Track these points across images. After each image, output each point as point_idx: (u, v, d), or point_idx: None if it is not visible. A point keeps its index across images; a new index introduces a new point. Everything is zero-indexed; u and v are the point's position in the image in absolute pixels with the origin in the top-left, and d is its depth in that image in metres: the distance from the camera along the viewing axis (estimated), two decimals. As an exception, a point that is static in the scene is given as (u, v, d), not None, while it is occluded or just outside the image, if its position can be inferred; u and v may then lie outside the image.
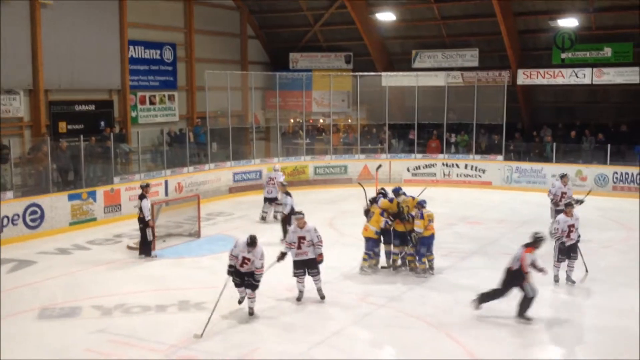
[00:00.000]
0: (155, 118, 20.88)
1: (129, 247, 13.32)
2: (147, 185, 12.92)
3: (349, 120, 25.22)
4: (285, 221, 13.61)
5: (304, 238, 9.75)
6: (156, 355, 7.85)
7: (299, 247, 9.79)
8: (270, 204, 16.35)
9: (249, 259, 9.05)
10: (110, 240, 14.15)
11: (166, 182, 17.94)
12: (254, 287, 9.17)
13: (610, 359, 7.86)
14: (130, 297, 10.06)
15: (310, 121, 24.33)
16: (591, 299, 10.26)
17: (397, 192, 11.80)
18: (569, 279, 10.85)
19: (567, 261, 10.83)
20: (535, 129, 22.61)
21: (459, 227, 15.38)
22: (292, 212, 12.23)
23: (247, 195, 19.65)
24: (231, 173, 20.30)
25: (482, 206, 18.30)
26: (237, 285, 9.31)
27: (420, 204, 11.31)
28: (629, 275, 11.27)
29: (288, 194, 14.32)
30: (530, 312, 9.01)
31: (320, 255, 9.87)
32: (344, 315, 9.40)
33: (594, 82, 21.11)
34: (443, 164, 22.20)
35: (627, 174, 19.64)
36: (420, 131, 22.80)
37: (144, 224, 12.43)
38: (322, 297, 9.94)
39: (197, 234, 14.36)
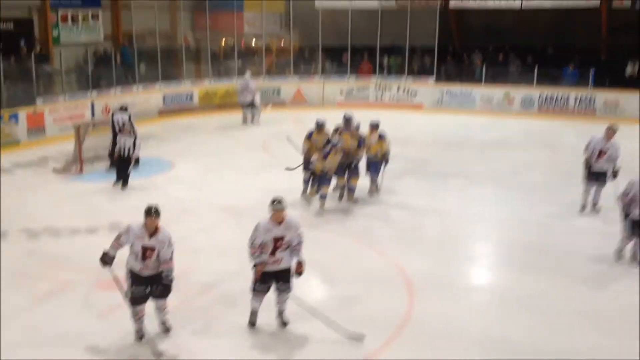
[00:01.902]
0: (79, 37, 19.85)
1: (56, 170, 12.95)
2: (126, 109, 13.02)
3: (282, 43, 24.78)
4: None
5: (281, 239, 6.46)
6: (88, 276, 7.77)
7: (272, 253, 6.48)
8: (248, 108, 18.79)
9: (152, 249, 6.15)
10: (35, 163, 13.69)
11: (92, 104, 17.33)
12: (165, 292, 6.28)
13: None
14: (58, 220, 9.84)
15: (242, 43, 23.77)
16: (514, 214, 10.65)
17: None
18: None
19: None
20: (466, 52, 22.85)
21: (392, 149, 15.56)
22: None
23: (178, 118, 19.26)
24: (161, 95, 19.78)
25: (414, 128, 18.56)
26: (136, 302, 6.20)
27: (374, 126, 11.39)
28: (550, 192, 11.79)
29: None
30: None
31: (300, 264, 6.55)
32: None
33: (523, 7, 21.34)
34: (376, 87, 22.27)
35: (552, 96, 20.23)
36: (353, 54, 22.67)
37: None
38: (284, 324, 6.70)
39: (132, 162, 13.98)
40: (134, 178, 12.38)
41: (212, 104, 20.94)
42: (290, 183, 11.91)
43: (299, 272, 6.56)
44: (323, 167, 10.35)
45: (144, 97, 19.21)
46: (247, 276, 7.80)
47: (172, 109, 19.90)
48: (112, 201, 11.09)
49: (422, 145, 16.05)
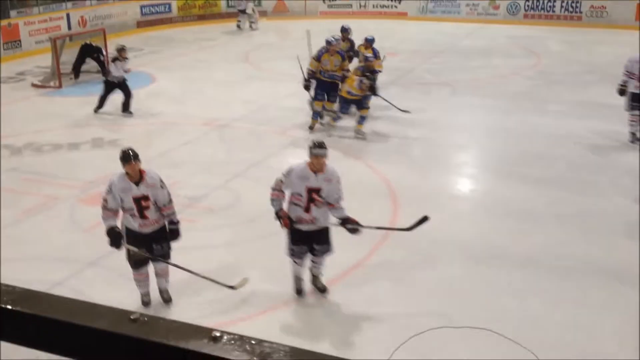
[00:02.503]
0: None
1: (34, 85, 12.69)
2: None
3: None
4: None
5: (317, 192, 5.24)
6: (73, 191, 7.77)
7: (307, 209, 5.29)
8: (243, 14, 19.48)
9: (146, 198, 5.11)
10: (13, 79, 13.41)
11: (68, 15, 16.81)
12: (167, 252, 5.40)
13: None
14: (40, 136, 9.74)
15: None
16: (498, 122, 10.66)
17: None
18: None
19: None
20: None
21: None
22: None
23: (156, 30, 18.79)
24: (138, 6, 19.21)
25: (398, 37, 18.23)
26: (138, 264, 5.36)
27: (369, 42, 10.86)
28: (533, 100, 11.77)
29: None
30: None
31: (348, 219, 5.28)
32: (262, 147, 9.45)
33: None
34: (359, -5, 21.73)
35: (538, 1, 19.86)
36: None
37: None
38: (322, 290, 5.67)
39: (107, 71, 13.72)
40: (114, 91, 12.22)
41: (191, 14, 20.37)
42: (274, 96, 11.82)
43: (350, 229, 5.24)
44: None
45: (121, 8, 18.66)
46: (232, 190, 7.89)
47: (150, 20, 19.37)
48: (93, 116, 10.94)
49: (407, 54, 15.81)
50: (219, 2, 20.97)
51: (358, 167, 8.81)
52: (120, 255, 5.42)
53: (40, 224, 7.07)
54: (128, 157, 5.02)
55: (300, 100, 11.87)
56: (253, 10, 19.47)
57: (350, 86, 9.58)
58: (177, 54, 15.98)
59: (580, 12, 19.46)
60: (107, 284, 5.79)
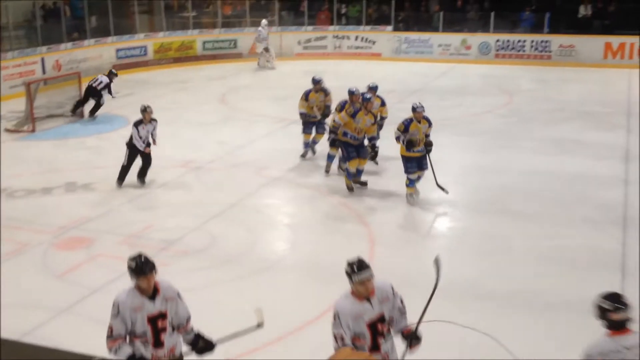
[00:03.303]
0: (25, -10, 19.12)
1: (7, 130, 12.57)
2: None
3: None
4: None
5: (380, 321, 3.96)
6: (45, 237, 7.64)
7: (375, 346, 3.95)
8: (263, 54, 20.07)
9: (164, 316, 4.09)
10: (-14, 124, 13.28)
11: (42, 59, 16.76)
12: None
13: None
14: (13, 180, 9.59)
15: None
16: (474, 160, 10.75)
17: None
18: None
19: None
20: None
21: (350, 99, 15.51)
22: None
23: (132, 73, 18.78)
24: (114, 49, 19.22)
25: (373, 77, 18.29)
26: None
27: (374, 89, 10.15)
28: (507, 137, 11.92)
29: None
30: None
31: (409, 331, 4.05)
32: (238, 188, 9.42)
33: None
34: (334, 36, 22.02)
35: (509, 41, 20.29)
36: (310, 2, 22.29)
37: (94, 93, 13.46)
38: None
39: (81, 114, 13.69)
40: (89, 134, 12.18)
41: (167, 57, 20.45)
42: (250, 137, 11.86)
43: (412, 339, 3.97)
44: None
45: (96, 51, 18.66)
46: (207, 232, 7.82)
47: (126, 63, 19.36)
48: (67, 160, 10.84)
49: (381, 94, 15.90)
50: (195, 44, 21.10)
51: (335, 206, 8.80)
52: (92, 302, 5.31)
53: (12, 270, 6.92)
54: (142, 270, 4.00)
55: (275, 141, 11.95)
56: (267, 49, 19.82)
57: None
58: (153, 96, 15.92)
59: (550, 51, 19.89)
60: (78, 331, 5.66)
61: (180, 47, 20.71)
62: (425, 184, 8.76)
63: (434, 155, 8.63)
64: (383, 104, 10.31)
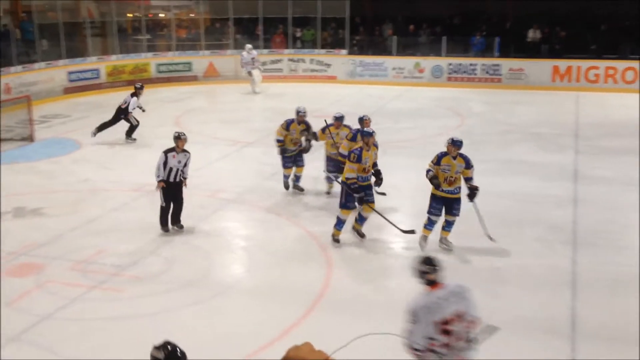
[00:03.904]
0: (-27, 13, 18.76)
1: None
2: (141, 87, 13.89)
3: (192, 15, 24.19)
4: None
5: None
6: (-7, 264, 7.41)
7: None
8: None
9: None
10: None
11: (-8, 83, 16.42)
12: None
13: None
14: (-42, 207, 9.31)
15: (150, 15, 23.05)
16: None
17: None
18: None
19: None
20: (377, 23, 23.04)
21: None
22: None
23: (85, 96, 18.53)
24: (65, 72, 18.92)
25: (328, 100, 18.60)
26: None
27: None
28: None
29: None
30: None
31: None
32: (193, 211, 9.32)
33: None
34: (289, 59, 22.16)
35: (460, 64, 20.73)
36: (265, 26, 22.43)
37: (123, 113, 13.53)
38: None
39: (31, 138, 13.41)
40: (39, 158, 11.94)
41: (120, 80, 20.23)
42: (205, 160, 11.75)
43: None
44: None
45: (48, 74, 18.34)
46: (162, 256, 7.70)
47: (78, 86, 19.10)
48: (16, 184, 10.56)
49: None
50: (149, 67, 20.95)
51: (291, 228, 8.78)
52: (41, 330, 5.16)
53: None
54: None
55: (230, 164, 11.90)
56: (249, 73, 19.55)
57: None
58: (105, 119, 15.73)
59: (500, 75, 20.38)
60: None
61: (134, 70, 20.52)
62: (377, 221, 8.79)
63: (395, 179, 8.64)
64: (354, 136, 9.44)
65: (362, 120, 9.33)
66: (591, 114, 16.15)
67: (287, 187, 10.11)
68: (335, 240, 8.12)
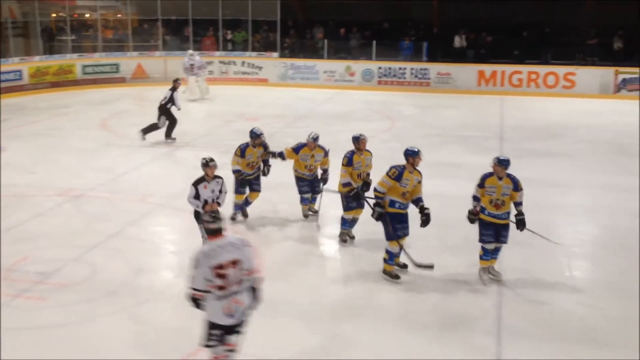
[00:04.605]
0: None
1: None
2: (177, 80, 13.82)
3: (119, 15, 23.65)
4: None
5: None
6: None
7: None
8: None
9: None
10: None
11: None
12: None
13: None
14: None
15: (75, 16, 22.39)
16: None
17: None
18: None
19: None
20: (308, 26, 23.16)
21: (237, 124, 15.48)
22: None
23: (6, 98, 17.82)
24: (-15, 73, 18.19)
25: (260, 103, 18.57)
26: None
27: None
28: (390, 162, 12.26)
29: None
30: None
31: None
32: (121, 216, 9.12)
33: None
34: (220, 62, 21.98)
35: (390, 68, 21.06)
36: (195, 27, 22.18)
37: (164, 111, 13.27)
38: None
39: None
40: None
41: (44, 81, 19.58)
42: (133, 164, 11.54)
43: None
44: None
45: (-34, 75, 17.58)
46: (88, 263, 7.51)
47: (-1, 87, 18.37)
48: None
49: (269, 119, 16.04)
50: (74, 69, 20.35)
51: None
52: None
53: None
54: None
55: (159, 167, 11.70)
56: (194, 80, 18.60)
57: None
58: (29, 122, 15.24)
59: (429, 79, 20.81)
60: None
61: (58, 71, 19.90)
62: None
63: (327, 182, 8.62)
64: (326, 154, 9.08)
65: (358, 139, 8.37)
66: (515, 117, 16.71)
67: (234, 218, 8.94)
68: (394, 276, 7.15)
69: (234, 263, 4.73)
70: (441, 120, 16.43)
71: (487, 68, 20.37)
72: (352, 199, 7.99)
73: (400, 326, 6.20)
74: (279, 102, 18.88)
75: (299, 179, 9.03)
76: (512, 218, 7.05)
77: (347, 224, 8.25)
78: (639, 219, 8.88)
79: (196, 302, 4.76)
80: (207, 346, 4.86)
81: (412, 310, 6.56)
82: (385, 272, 7.19)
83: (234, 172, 8.85)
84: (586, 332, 6.15)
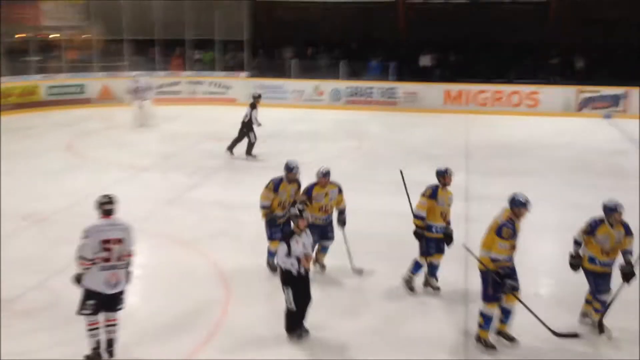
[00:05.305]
0: None
1: None
2: (259, 96, 14.57)
3: (85, 36, 23.46)
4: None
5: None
6: None
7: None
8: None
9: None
10: None
11: None
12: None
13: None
14: None
15: (40, 36, 22.15)
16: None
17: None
18: None
19: None
20: (277, 46, 23.25)
21: (205, 145, 15.44)
22: None
23: (-32, 120, 17.51)
24: (-54, 94, 17.85)
25: (228, 123, 18.43)
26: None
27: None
28: (359, 181, 12.33)
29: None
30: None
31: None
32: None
33: (328, 1, 22.18)
34: (188, 82, 21.92)
35: (358, 87, 21.22)
36: (162, 47, 22.10)
37: (247, 127, 13.91)
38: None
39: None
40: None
41: (8, 103, 19.27)
42: (99, 185, 11.35)
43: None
44: None
45: None
46: (51, 289, 7.34)
47: (-40, 109, 18.03)
48: None
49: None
50: (39, 90, 20.09)
51: (189, 255, 8.62)
52: None
53: None
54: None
55: (125, 189, 11.52)
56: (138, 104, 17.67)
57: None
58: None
59: (396, 98, 21.00)
60: None
61: (22, 93, 19.62)
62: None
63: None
64: (340, 190, 7.98)
65: (443, 174, 7.41)
66: (480, 136, 16.93)
67: (274, 268, 7.55)
68: (490, 345, 6.23)
69: (119, 241, 5.71)
70: (409, 139, 16.57)
71: (453, 87, 20.65)
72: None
73: None
74: (247, 122, 18.82)
75: (310, 226, 7.02)
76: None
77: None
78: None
79: (79, 277, 5.66)
80: (82, 314, 5.70)
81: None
82: (479, 339, 6.29)
83: (263, 207, 7.75)
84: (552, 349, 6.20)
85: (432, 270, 7.46)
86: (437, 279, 7.52)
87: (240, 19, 21.62)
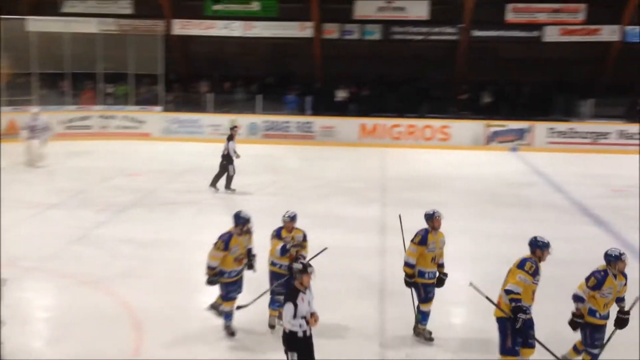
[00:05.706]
0: None
1: None
2: (235, 128, 14.71)
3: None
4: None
5: None
6: None
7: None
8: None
9: None
10: None
11: None
12: None
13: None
14: None
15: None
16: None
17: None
18: None
19: None
20: (192, 80, 23.07)
21: (117, 180, 15.00)
22: None
23: None
24: None
25: (142, 158, 18.14)
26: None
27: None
28: (277, 215, 12.25)
29: None
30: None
31: None
32: None
33: (244, 35, 22.25)
34: (100, 116, 21.37)
35: (275, 121, 21.31)
36: (74, 81, 21.48)
37: (227, 160, 13.85)
38: None
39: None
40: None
41: None
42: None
43: None
44: None
45: None
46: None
47: None
48: None
49: (151, 175, 15.69)
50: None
51: (98, 296, 8.27)
52: None
53: None
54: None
55: (30, 229, 11.02)
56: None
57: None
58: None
59: (313, 132, 21.21)
60: None
61: None
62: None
63: (210, 236, 8.44)
64: (305, 237, 7.58)
65: (431, 217, 7.07)
66: (395, 169, 17.29)
67: (231, 333, 7.27)
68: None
69: None
70: (325, 172, 16.71)
71: (369, 121, 21.07)
72: (409, 286, 6.88)
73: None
74: (162, 156, 18.52)
75: (274, 275, 7.22)
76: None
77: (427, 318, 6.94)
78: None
79: None
80: None
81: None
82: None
83: (210, 268, 7.09)
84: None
85: (424, 317, 7.14)
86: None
87: (154, 53, 21.33)
